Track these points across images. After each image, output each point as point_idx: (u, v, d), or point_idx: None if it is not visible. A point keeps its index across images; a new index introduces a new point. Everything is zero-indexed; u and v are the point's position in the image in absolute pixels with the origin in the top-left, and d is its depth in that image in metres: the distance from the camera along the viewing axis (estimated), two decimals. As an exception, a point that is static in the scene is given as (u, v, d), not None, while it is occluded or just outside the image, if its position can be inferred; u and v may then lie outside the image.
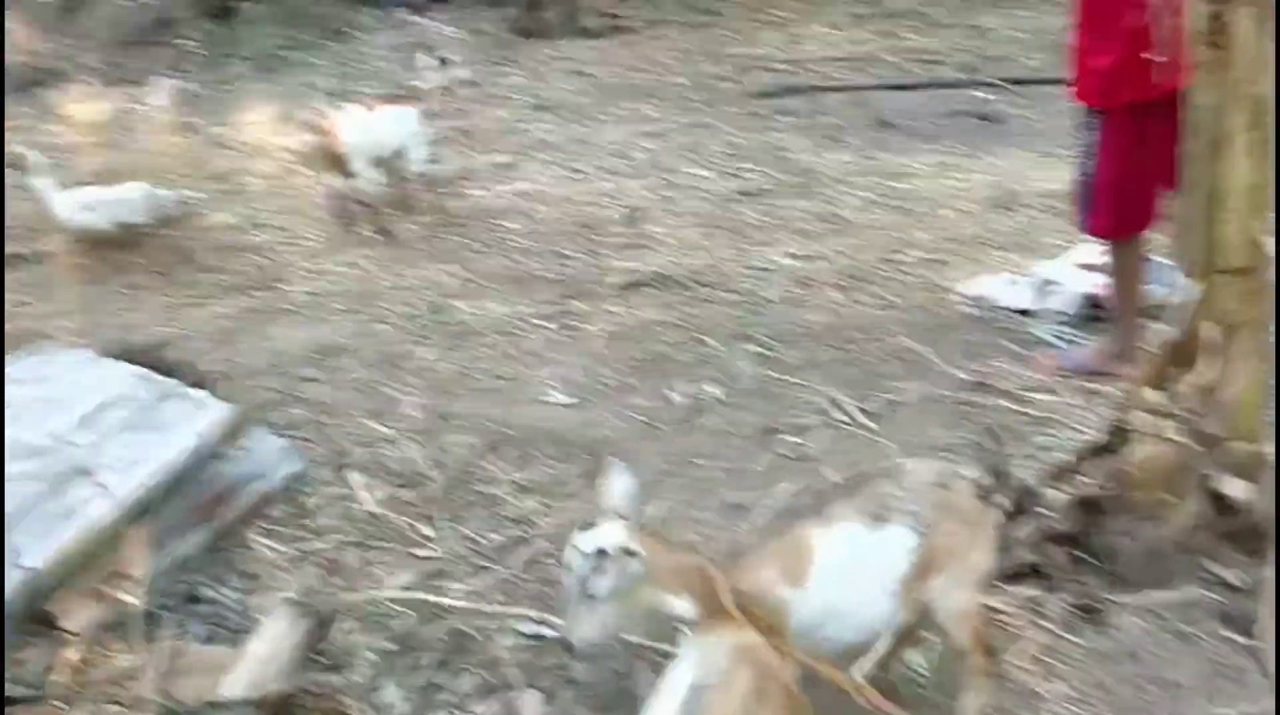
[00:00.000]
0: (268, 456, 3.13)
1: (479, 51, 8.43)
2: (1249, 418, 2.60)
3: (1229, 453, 2.58)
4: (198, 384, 3.62)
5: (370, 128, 5.04)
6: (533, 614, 2.45)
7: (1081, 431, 3.20)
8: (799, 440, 3.25)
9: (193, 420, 3.13)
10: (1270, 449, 2.53)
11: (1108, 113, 3.44)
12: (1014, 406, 3.46)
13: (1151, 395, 2.62)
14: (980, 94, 7.27)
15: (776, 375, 3.66)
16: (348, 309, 4.39)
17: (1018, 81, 7.36)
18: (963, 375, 3.65)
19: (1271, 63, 2.42)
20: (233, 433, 3.03)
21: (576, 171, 6.04)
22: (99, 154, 6.44)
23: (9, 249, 4.95)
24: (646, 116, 7.06)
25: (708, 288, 4.48)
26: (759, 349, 3.85)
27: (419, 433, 3.40)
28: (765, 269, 4.65)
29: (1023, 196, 5.34)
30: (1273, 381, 2.57)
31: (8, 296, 4.51)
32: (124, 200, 4.80)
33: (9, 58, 8.36)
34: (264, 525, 2.96)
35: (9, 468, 2.87)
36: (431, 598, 2.55)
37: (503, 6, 9.20)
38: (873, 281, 4.50)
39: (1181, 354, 2.61)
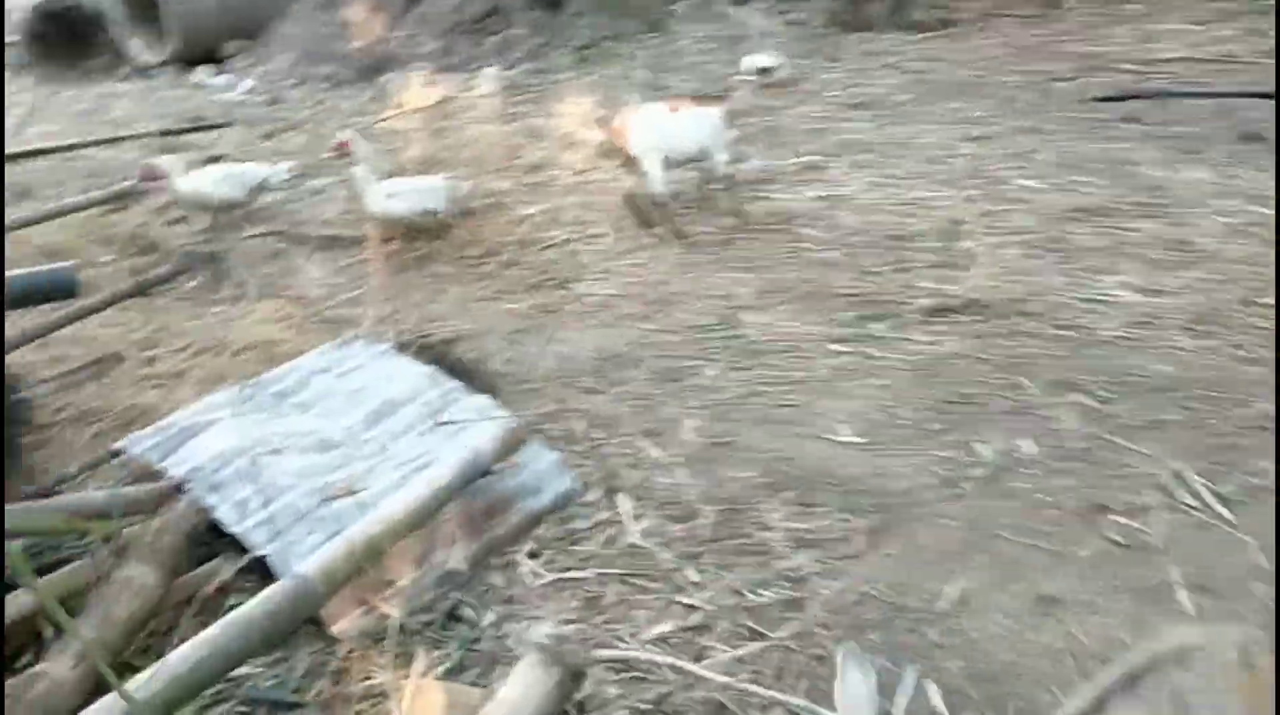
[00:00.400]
0: (541, 472, 3.04)
1: (796, 44, 8.16)
2: None
3: None
4: (485, 386, 3.64)
5: (664, 129, 4.92)
6: (800, 702, 2.17)
7: None
8: (1133, 523, 2.75)
9: (473, 428, 3.09)
10: None
11: None
12: None
13: None
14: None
15: (1108, 436, 3.15)
16: (636, 314, 4.27)
17: None
18: (1348, 458, 2.99)
19: None
20: (511, 446, 2.95)
21: (889, 177, 5.63)
22: (425, 142, 6.74)
23: (333, 232, 5.26)
24: (971, 118, 6.50)
25: (1029, 319, 3.98)
26: (1088, 400, 3.33)
27: (695, 459, 3.20)
28: (1099, 302, 4.07)
29: None
30: None
31: (327, 280, 4.77)
32: (427, 190, 4.96)
33: (355, 44, 8.99)
34: (530, 545, 2.87)
35: (308, 458, 2.94)
36: (691, 667, 2.33)
37: (827, -2, 8.87)
38: (1232, 327, 3.83)
39: None
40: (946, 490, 2.95)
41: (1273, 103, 6.38)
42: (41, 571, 2.50)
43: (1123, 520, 2.76)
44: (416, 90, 8.09)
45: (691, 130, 4.94)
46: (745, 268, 4.65)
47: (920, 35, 8.32)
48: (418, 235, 5.05)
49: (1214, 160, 5.52)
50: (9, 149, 7.47)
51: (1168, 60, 7.44)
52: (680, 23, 8.80)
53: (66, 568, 2.48)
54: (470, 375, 3.77)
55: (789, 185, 5.58)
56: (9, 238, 5.25)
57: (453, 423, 2.96)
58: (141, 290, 3.06)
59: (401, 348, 3.99)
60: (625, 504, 3.00)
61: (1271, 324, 3.85)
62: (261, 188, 5.35)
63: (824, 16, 8.71)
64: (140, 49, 9.87)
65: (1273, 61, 7.19)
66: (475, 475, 2.76)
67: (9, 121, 8.25)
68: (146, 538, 2.44)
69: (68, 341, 3.84)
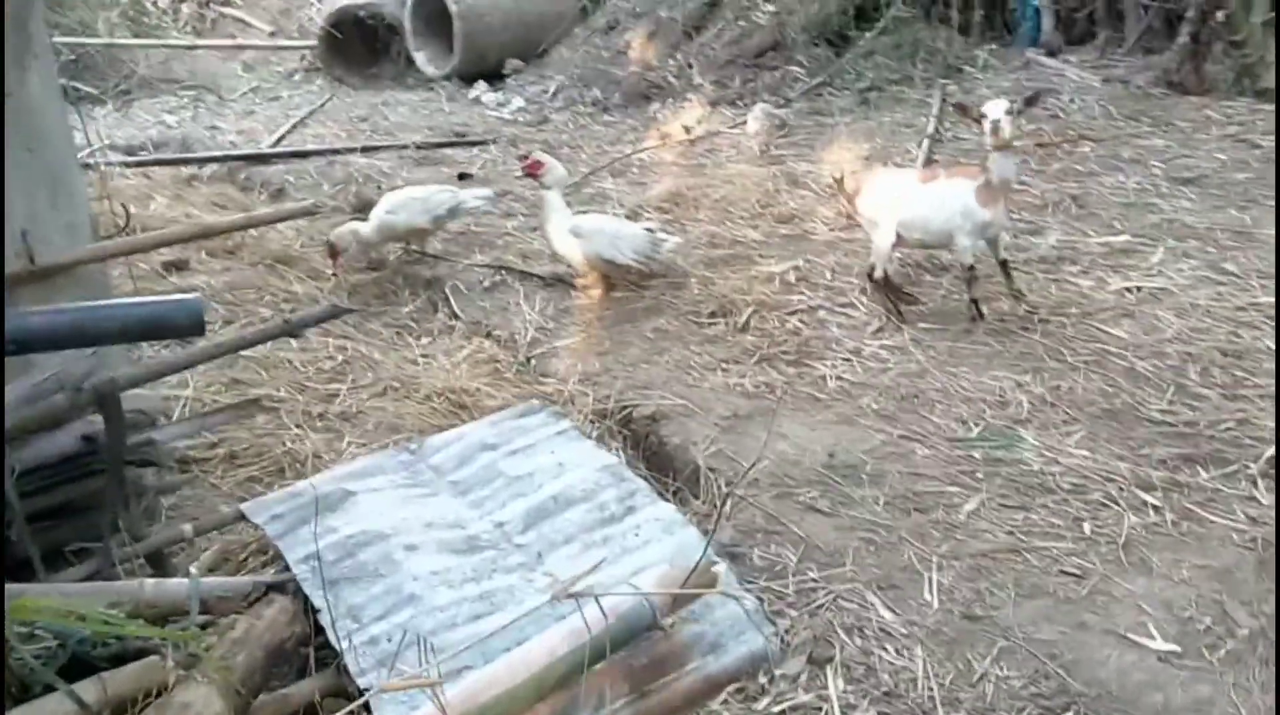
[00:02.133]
0: (728, 620, 2.36)
1: (1114, 104, 7.07)
2: None
3: None
4: (686, 481, 3.01)
5: (902, 200, 4.10)
6: None
7: None
8: None
9: (656, 548, 2.46)
10: None
11: None
12: None
13: None
14: None
15: None
16: (882, 412, 3.51)
17: None
18: None
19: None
20: (700, 583, 2.28)
21: (1223, 273, 4.55)
22: (677, 177, 6.24)
23: (559, 269, 4.78)
24: (1334, 209, 5.26)
25: None
26: None
27: (937, 635, 2.41)
28: None
29: None
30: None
31: (540, 322, 4.31)
32: (616, 236, 4.38)
33: (628, 70, 8.67)
34: (698, 723, 2.19)
35: (446, 559, 2.41)
36: None
37: (1157, 54, 7.69)
38: None
39: None
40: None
41: None
42: (116, 660, 2.08)
43: None
44: (680, 122, 7.64)
45: (934, 209, 4.02)
46: (1026, 367, 3.78)
47: (1271, 106, 7.01)
48: (645, 281, 4.49)
49: None
50: (280, 146, 7.64)
51: None
52: (982, 70, 7.89)
53: (136, 665, 2.03)
54: (667, 465, 3.16)
55: (1092, 270, 4.63)
56: (247, 235, 5.13)
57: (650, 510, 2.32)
58: (289, 332, 2.64)
59: (600, 417, 3.43)
60: (835, 686, 2.27)
61: None
62: (452, 213, 4.89)
63: (1152, 74, 7.54)
64: (425, 61, 10.00)
65: None
66: (640, 628, 2.11)
67: (293, 118, 8.49)
68: (219, 652, 1.95)
69: (243, 367, 3.53)
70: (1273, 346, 3.83)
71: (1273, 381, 3.59)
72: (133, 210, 4.36)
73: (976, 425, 3.40)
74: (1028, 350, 3.92)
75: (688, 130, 7.38)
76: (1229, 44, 7.48)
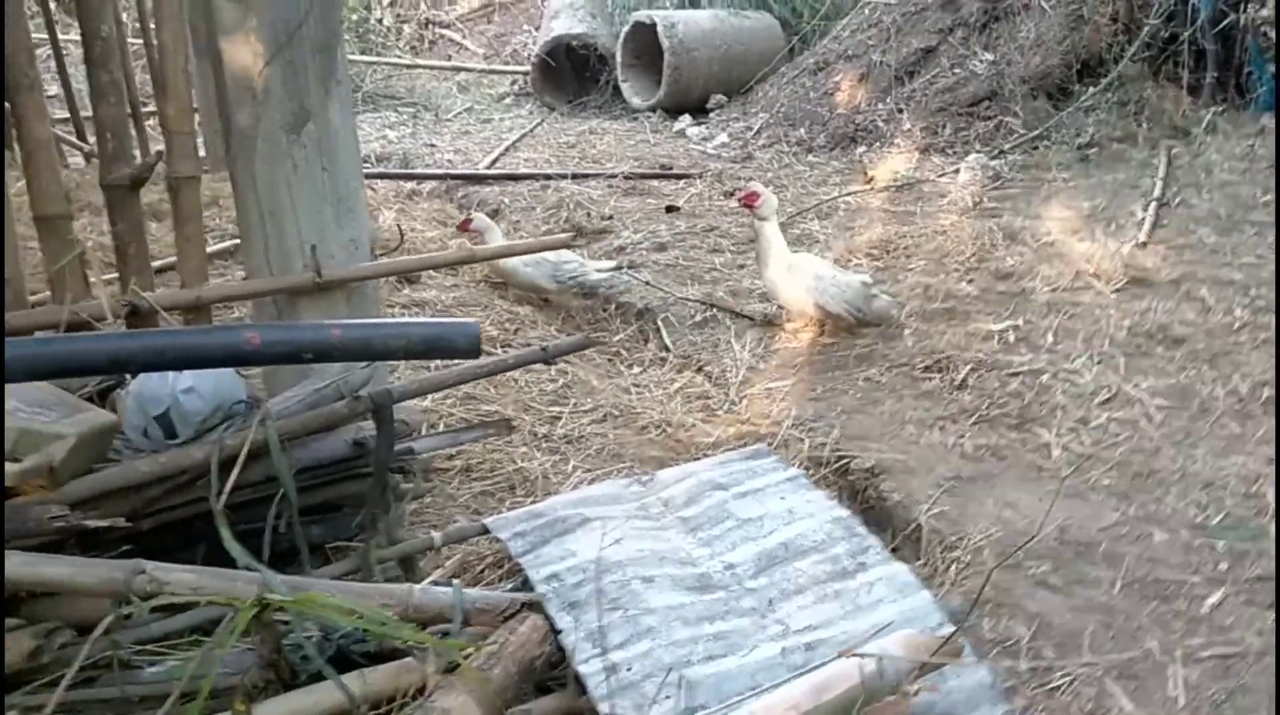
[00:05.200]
0: (963, 693, 2.30)
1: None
2: None
3: None
4: (906, 540, 2.97)
5: None
6: None
7: None
8: None
9: (889, 608, 2.43)
10: None
11: None
12: None
13: None
14: None
15: None
16: (1114, 489, 3.36)
17: None
18: None
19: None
20: (946, 652, 2.24)
21: None
22: (887, 224, 6.18)
23: (769, 308, 4.81)
24: None
25: None
26: None
27: (1182, 736, 2.30)
28: None
29: None
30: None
31: (752, 362, 4.32)
32: (836, 284, 4.37)
33: (835, 112, 8.65)
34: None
35: (680, 596, 2.45)
36: None
37: None
38: None
39: None
40: None
41: None
42: (370, 658, 2.20)
43: None
44: (889, 168, 7.57)
45: None
46: (1273, 457, 3.56)
47: None
48: (857, 329, 4.47)
49: None
50: (495, 168, 7.95)
51: None
52: (1211, 133, 7.51)
53: (395, 665, 2.14)
54: (886, 522, 3.12)
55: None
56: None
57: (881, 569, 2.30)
58: (545, 359, 2.73)
59: (815, 464, 3.42)
60: (1072, 776, 2.18)
61: None
62: (576, 283, 4.90)
63: None
64: (632, 92, 10.23)
65: None
66: (884, 692, 2.08)
67: (505, 141, 8.83)
68: (476, 662, 2.04)
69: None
70: None
71: None
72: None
73: (1222, 511, 3.22)
74: (1273, 435, 3.70)
75: (898, 175, 7.30)
76: None
